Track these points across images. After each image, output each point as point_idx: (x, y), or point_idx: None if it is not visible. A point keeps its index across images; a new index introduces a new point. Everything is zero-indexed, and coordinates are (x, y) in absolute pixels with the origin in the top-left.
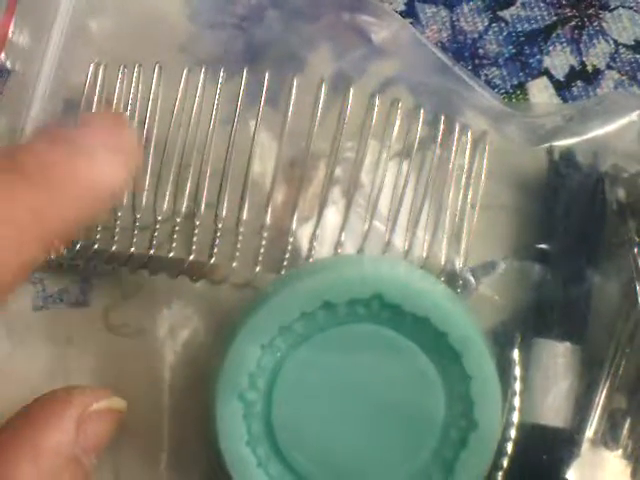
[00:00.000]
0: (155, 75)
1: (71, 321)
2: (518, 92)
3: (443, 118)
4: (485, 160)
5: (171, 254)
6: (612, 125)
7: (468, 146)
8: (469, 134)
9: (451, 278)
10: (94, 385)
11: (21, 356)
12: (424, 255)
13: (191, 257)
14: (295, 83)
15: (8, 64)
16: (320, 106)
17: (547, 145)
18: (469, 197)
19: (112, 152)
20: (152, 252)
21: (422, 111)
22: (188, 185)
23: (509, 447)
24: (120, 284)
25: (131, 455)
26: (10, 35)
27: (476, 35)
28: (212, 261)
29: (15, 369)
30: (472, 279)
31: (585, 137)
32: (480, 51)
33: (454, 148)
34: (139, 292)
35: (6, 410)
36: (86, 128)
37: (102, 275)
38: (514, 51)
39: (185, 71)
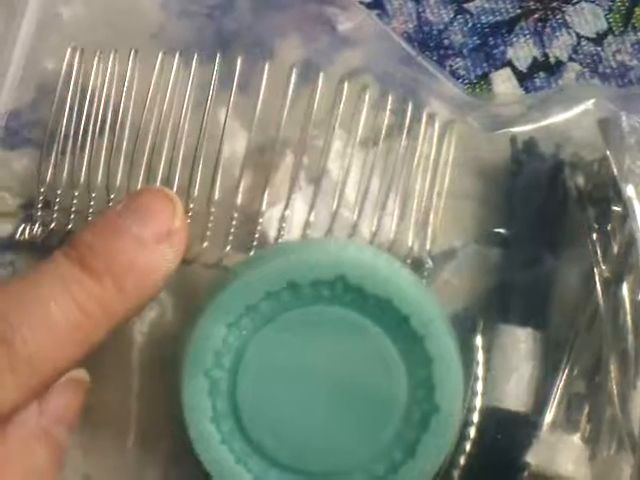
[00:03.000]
0: (130, 60)
1: None
2: (482, 82)
3: (410, 106)
4: (452, 149)
5: None
6: (570, 114)
7: (435, 135)
8: (436, 123)
9: (416, 263)
10: None
11: None
12: (390, 240)
13: None
14: (266, 69)
15: None
16: (290, 93)
17: (509, 133)
18: (436, 185)
19: (166, 242)
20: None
21: (390, 98)
22: (161, 168)
23: (471, 431)
24: None
25: (99, 433)
26: None
27: (441, 26)
28: None
29: None
30: (435, 265)
31: (545, 125)
32: (445, 42)
33: (421, 136)
34: None
35: None
36: (139, 215)
37: None
38: (478, 42)
39: (160, 55)
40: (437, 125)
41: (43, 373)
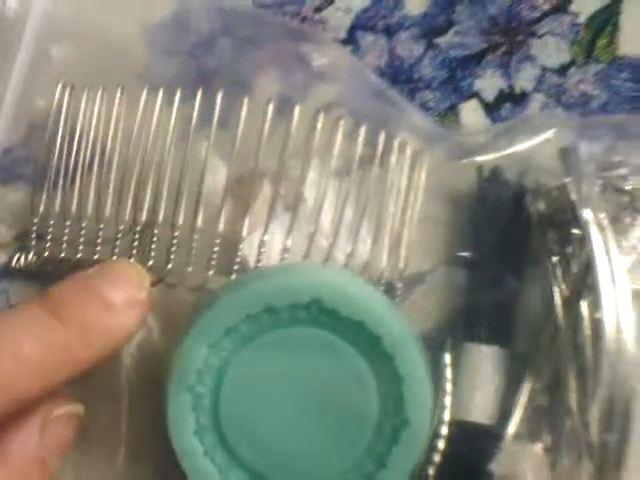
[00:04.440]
0: (117, 97)
1: None
2: (450, 114)
3: (382, 138)
4: (422, 177)
5: (132, 260)
6: (532, 142)
7: (406, 164)
8: (407, 153)
9: (388, 286)
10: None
11: None
12: (363, 264)
13: (150, 263)
14: (245, 103)
15: None
16: (267, 126)
17: (476, 162)
18: (406, 211)
19: (132, 306)
20: (115, 259)
21: (362, 129)
22: (147, 199)
23: (440, 443)
24: None
25: (91, 452)
26: None
27: (412, 61)
28: (169, 266)
29: None
30: (406, 287)
31: (509, 154)
32: (415, 75)
33: (392, 166)
34: None
35: None
36: (112, 279)
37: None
38: (447, 75)
39: (144, 93)
40: (407, 155)
41: (4, 400)
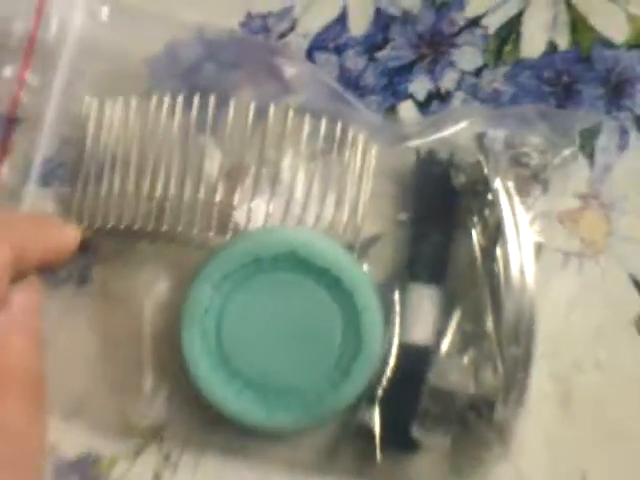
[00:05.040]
0: (132, 107)
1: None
2: (390, 112)
3: (339, 128)
4: (372, 160)
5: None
6: (456, 129)
7: (359, 150)
8: (360, 141)
9: (348, 245)
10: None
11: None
12: (328, 228)
13: (164, 227)
14: (232, 106)
15: (20, 113)
16: (249, 124)
17: (413, 146)
18: (361, 187)
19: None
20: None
21: (323, 121)
22: (160, 184)
23: (390, 359)
24: (111, 257)
25: (119, 385)
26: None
27: (357, 72)
28: (179, 229)
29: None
30: (363, 246)
31: (439, 138)
32: (361, 83)
33: (348, 152)
34: (123, 260)
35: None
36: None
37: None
38: (386, 82)
39: (153, 101)
40: (360, 142)
41: None
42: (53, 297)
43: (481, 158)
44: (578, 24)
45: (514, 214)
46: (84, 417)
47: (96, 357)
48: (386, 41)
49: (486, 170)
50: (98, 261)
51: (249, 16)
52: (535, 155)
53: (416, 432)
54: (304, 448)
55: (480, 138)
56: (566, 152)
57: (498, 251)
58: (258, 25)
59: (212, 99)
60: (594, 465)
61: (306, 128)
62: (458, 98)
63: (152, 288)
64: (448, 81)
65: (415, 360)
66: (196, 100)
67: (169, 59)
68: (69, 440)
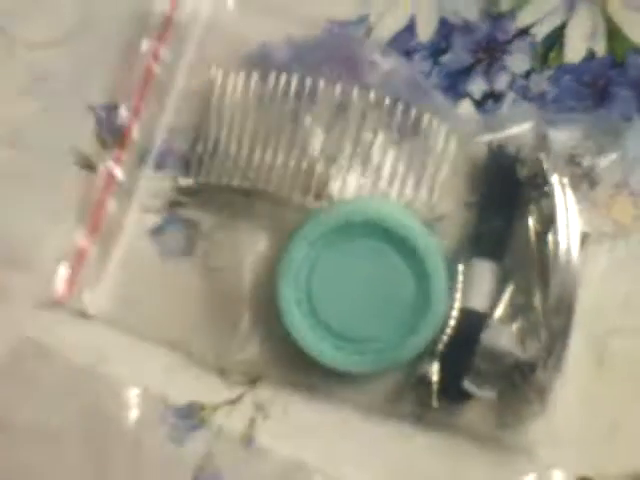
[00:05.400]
0: (253, 80)
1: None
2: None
3: (428, 117)
4: (452, 147)
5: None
6: (522, 128)
7: (441, 138)
8: (442, 130)
9: (424, 219)
10: None
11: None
12: (408, 203)
13: (270, 189)
14: (338, 93)
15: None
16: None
17: (487, 140)
18: (440, 170)
19: None
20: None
21: (413, 111)
22: (270, 151)
23: (452, 321)
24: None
25: (216, 320)
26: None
27: (424, 74)
28: (283, 192)
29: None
30: (436, 222)
31: (509, 135)
32: (427, 84)
33: (433, 138)
34: (225, 230)
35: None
36: None
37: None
38: (448, 83)
39: (272, 76)
40: (443, 131)
41: None
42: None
43: (542, 156)
44: (614, 34)
45: (566, 206)
46: (190, 368)
47: (200, 307)
48: (448, 47)
49: (546, 166)
50: (201, 235)
51: (329, 23)
52: (587, 157)
53: (468, 385)
54: (373, 392)
55: (543, 138)
56: (612, 156)
57: (550, 237)
58: (337, 32)
59: (322, 84)
60: (624, 419)
61: (397, 116)
62: (510, 98)
63: (253, 244)
64: (501, 83)
65: (472, 324)
66: (308, 82)
67: (261, 58)
68: (178, 389)
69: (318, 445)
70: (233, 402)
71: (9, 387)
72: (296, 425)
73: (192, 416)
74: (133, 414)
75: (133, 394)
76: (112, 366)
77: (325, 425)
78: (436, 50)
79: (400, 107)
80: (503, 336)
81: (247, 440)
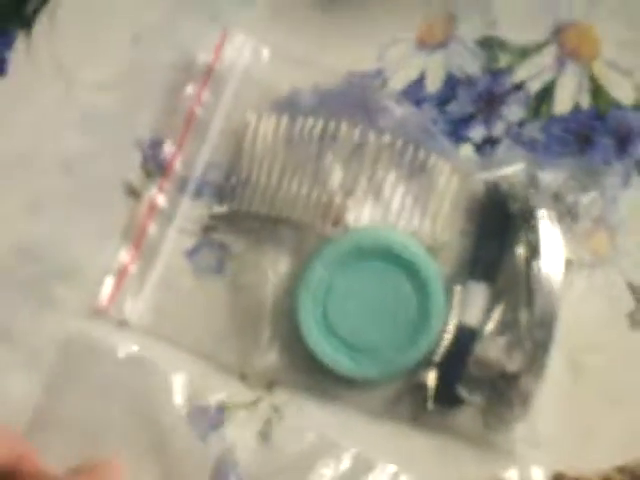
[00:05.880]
0: (283, 124)
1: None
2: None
3: (434, 158)
4: (454, 184)
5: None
6: (513, 169)
7: (445, 175)
8: (446, 168)
9: (428, 247)
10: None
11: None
12: (414, 232)
13: (294, 217)
14: (356, 138)
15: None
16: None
17: (483, 178)
18: (443, 204)
19: None
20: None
21: (422, 151)
22: (296, 184)
23: (448, 335)
24: (241, 253)
25: (241, 330)
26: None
27: (431, 121)
28: (306, 221)
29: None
30: (438, 248)
31: (502, 175)
32: (434, 129)
33: (437, 176)
34: (252, 252)
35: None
36: None
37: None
38: (452, 128)
39: (299, 121)
40: (446, 171)
41: None
42: (195, 281)
43: (531, 193)
44: (597, 91)
45: (551, 237)
46: (216, 372)
47: (227, 319)
48: (453, 97)
49: (534, 202)
50: (230, 257)
51: (350, 74)
52: (570, 195)
53: (460, 391)
54: (375, 396)
55: (533, 178)
56: (592, 194)
57: (536, 263)
58: (357, 81)
59: (343, 127)
60: (597, 424)
61: (407, 156)
62: (505, 143)
63: (276, 265)
64: (498, 129)
65: (466, 337)
66: (331, 125)
67: (290, 105)
68: (204, 391)
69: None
70: (253, 404)
71: (62, 382)
72: (308, 424)
73: (215, 415)
74: (164, 410)
75: (164, 393)
76: (146, 368)
77: (333, 424)
78: (442, 100)
79: (410, 149)
80: (492, 348)
81: (263, 437)
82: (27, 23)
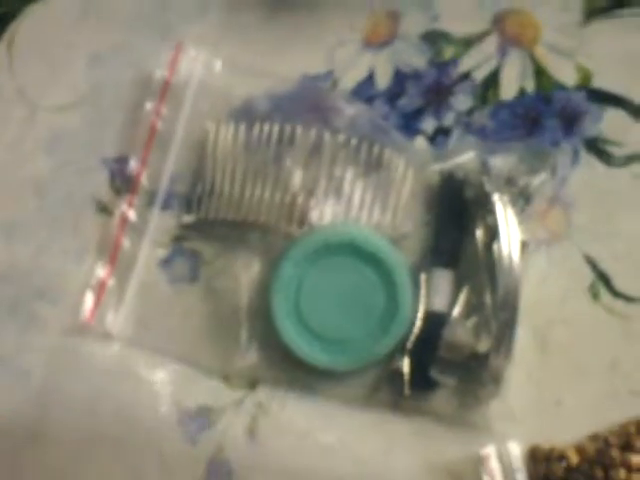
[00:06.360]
0: (241, 131)
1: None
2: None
3: (389, 153)
4: (409, 176)
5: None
6: (467, 157)
7: (400, 169)
8: (401, 163)
9: (390, 239)
10: None
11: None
12: (376, 225)
13: (259, 220)
14: (314, 139)
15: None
16: (326, 151)
17: (438, 168)
18: (401, 195)
19: None
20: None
21: (376, 148)
22: (258, 189)
23: (417, 322)
24: (212, 259)
25: (219, 334)
26: None
27: (383, 117)
28: (270, 223)
29: None
30: (400, 239)
31: (457, 163)
32: (387, 125)
33: (394, 171)
34: (223, 259)
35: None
36: None
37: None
38: (404, 122)
39: (256, 127)
40: (401, 165)
41: None
42: (171, 290)
43: (485, 179)
44: (540, 74)
45: (507, 219)
46: (200, 376)
47: (205, 324)
48: (403, 92)
49: (488, 188)
50: (203, 263)
51: (302, 78)
52: (522, 178)
53: (434, 374)
54: (354, 386)
55: (484, 164)
56: (542, 175)
57: (495, 246)
58: (309, 84)
59: (299, 130)
60: (566, 396)
61: (363, 153)
62: (456, 132)
63: (248, 268)
64: (448, 120)
65: (434, 322)
66: (287, 129)
67: (245, 111)
68: (189, 395)
69: (311, 436)
70: (237, 403)
71: (50, 397)
72: (292, 418)
73: (203, 417)
74: (153, 418)
75: (151, 401)
76: (132, 379)
77: (315, 417)
78: (392, 96)
79: (365, 145)
80: (461, 331)
81: (250, 434)
82: None
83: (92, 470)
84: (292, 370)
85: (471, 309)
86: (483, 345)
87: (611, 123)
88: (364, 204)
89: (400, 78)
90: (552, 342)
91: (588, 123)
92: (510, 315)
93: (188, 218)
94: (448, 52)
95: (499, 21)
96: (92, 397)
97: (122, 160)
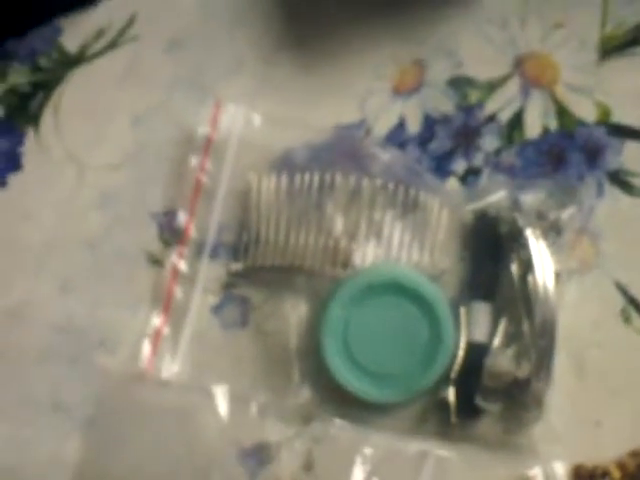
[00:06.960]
0: (283, 182)
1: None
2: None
3: (424, 195)
4: (445, 216)
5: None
6: (498, 196)
7: (436, 210)
8: (436, 204)
9: (430, 276)
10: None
11: None
12: (416, 264)
13: (306, 265)
14: (351, 187)
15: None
16: (364, 199)
17: (471, 208)
18: (438, 236)
19: None
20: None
21: (412, 191)
22: (303, 235)
23: (460, 352)
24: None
25: (272, 373)
26: None
27: (416, 160)
28: (316, 267)
29: None
30: (439, 276)
31: (489, 202)
32: (420, 168)
33: (429, 211)
34: (272, 302)
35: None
36: None
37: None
38: (435, 165)
39: (297, 177)
40: (436, 207)
41: None
42: (224, 335)
43: (516, 215)
44: (562, 112)
45: (539, 252)
46: (255, 415)
47: (257, 366)
48: (433, 136)
49: (520, 223)
50: (253, 308)
51: (337, 128)
52: (552, 212)
53: (479, 402)
54: (402, 417)
55: (515, 201)
56: (570, 209)
57: (530, 277)
58: (344, 133)
59: (338, 177)
60: (604, 416)
61: (399, 196)
62: (486, 172)
63: (296, 311)
64: (478, 160)
65: (476, 353)
66: (327, 177)
67: (286, 161)
68: (246, 433)
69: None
70: (293, 438)
71: (112, 444)
72: (345, 450)
73: (261, 454)
74: (214, 458)
75: (211, 441)
76: (191, 422)
77: (368, 449)
78: (423, 140)
79: (401, 189)
80: (502, 359)
81: (307, 467)
82: (34, 118)
83: None
84: (343, 404)
85: (510, 338)
86: (524, 371)
87: (631, 155)
88: (403, 244)
89: (430, 123)
90: (588, 365)
91: (609, 156)
92: (548, 342)
93: (236, 266)
94: (473, 96)
95: (519, 64)
96: (153, 440)
97: (170, 213)
